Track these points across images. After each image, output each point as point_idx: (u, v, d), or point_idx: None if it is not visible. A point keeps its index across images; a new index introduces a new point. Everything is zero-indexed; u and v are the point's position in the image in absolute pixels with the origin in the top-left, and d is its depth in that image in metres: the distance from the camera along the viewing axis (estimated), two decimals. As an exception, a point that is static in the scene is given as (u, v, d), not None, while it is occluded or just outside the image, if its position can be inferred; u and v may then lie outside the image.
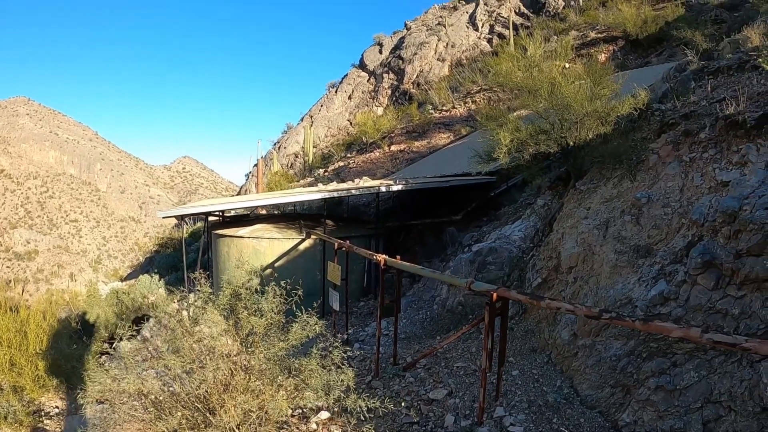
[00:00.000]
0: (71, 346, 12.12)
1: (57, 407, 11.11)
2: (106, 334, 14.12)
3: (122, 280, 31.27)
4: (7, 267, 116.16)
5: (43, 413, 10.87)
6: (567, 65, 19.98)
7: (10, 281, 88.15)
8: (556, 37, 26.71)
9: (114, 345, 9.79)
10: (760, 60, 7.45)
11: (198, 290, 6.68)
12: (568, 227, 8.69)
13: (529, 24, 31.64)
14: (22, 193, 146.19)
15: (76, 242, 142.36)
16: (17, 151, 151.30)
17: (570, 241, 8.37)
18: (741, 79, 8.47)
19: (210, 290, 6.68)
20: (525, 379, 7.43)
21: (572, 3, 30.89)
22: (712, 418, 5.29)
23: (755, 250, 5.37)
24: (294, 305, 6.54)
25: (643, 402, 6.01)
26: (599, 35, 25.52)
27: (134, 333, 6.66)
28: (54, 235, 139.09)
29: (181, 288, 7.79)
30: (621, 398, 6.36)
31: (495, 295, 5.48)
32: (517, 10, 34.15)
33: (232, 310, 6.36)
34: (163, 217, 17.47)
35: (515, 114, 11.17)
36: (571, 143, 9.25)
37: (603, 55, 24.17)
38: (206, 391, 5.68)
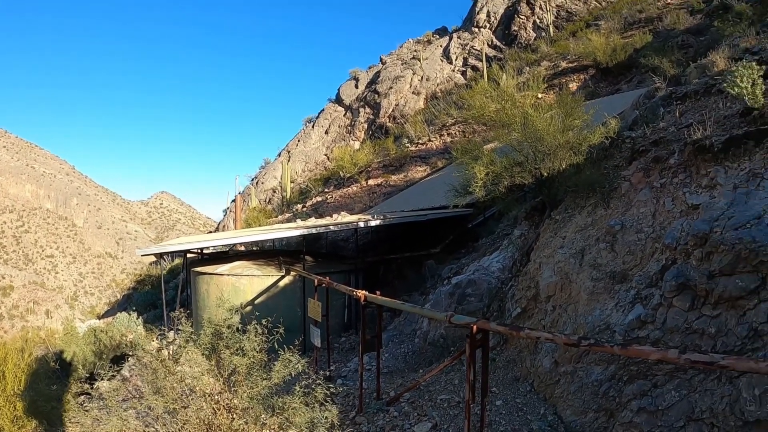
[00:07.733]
0: (50, 386, 11.88)
1: (36, 449, 10.87)
2: (85, 374, 13.85)
3: (99, 317, 30.79)
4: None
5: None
6: (540, 96, 20.43)
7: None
8: (528, 68, 27.31)
9: (94, 385, 9.62)
10: (725, 85, 7.71)
11: (178, 329, 6.64)
12: (545, 257, 8.80)
13: (502, 56, 32.32)
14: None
15: (52, 278, 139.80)
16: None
17: (547, 270, 8.47)
18: (708, 104, 8.75)
19: (191, 329, 6.64)
20: (509, 408, 7.43)
21: (543, 34, 31.63)
22: (695, 437, 5.34)
23: (727, 270, 5.50)
24: (275, 343, 6.53)
25: (626, 425, 6.04)
26: (570, 65, 26.13)
27: (114, 373, 6.57)
28: (29, 270, 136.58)
29: (161, 326, 7.73)
30: (605, 422, 6.39)
31: (475, 327, 5.52)
32: (489, 43, 34.90)
33: (214, 349, 6.32)
34: (142, 255, 17.33)
35: (489, 146, 11.34)
36: (545, 174, 9.41)
37: (574, 84, 24.69)
38: (189, 432, 5.62)
